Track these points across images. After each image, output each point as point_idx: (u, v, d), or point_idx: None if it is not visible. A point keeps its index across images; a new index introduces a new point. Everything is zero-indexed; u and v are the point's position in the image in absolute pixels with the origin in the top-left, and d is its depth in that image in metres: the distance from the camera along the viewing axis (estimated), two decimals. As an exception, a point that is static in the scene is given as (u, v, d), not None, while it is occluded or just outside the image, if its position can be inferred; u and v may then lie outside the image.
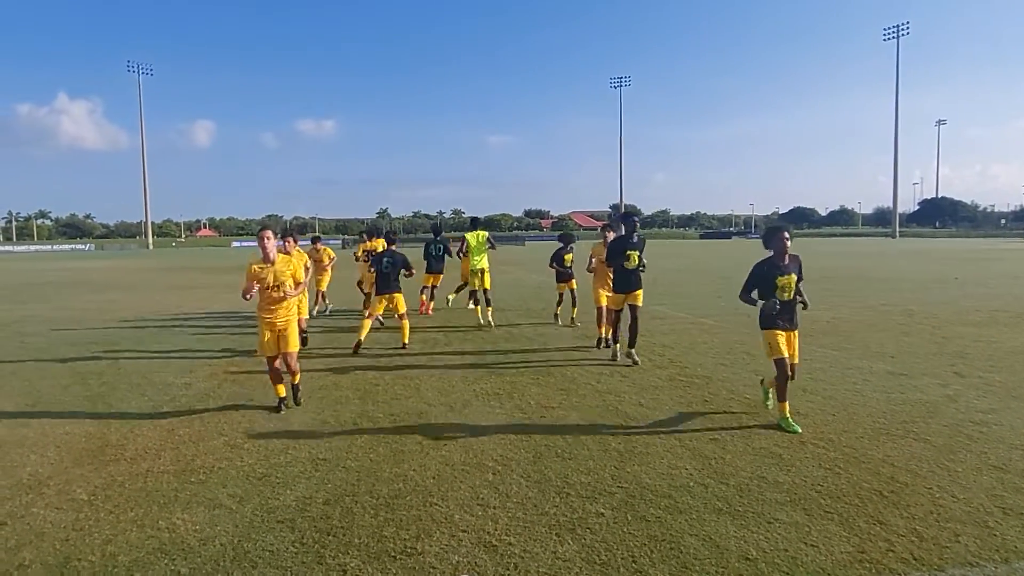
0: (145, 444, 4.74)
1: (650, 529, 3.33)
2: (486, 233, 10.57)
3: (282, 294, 5.43)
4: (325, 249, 11.65)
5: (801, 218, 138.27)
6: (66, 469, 4.26)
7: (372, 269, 9.00)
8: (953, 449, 4.44)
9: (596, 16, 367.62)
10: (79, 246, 79.39)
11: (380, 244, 10.31)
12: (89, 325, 11.02)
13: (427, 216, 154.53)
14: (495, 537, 3.27)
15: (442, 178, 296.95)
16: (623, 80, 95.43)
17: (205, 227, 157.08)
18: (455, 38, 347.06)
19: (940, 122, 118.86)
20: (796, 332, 5.03)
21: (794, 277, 4.96)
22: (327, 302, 12.12)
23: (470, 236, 10.42)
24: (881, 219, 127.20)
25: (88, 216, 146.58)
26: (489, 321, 10.14)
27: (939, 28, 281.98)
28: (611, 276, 7.55)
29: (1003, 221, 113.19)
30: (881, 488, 3.81)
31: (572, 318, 10.15)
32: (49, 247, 76.29)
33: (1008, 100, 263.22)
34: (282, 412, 5.48)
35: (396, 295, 8.59)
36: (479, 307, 10.32)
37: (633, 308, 7.23)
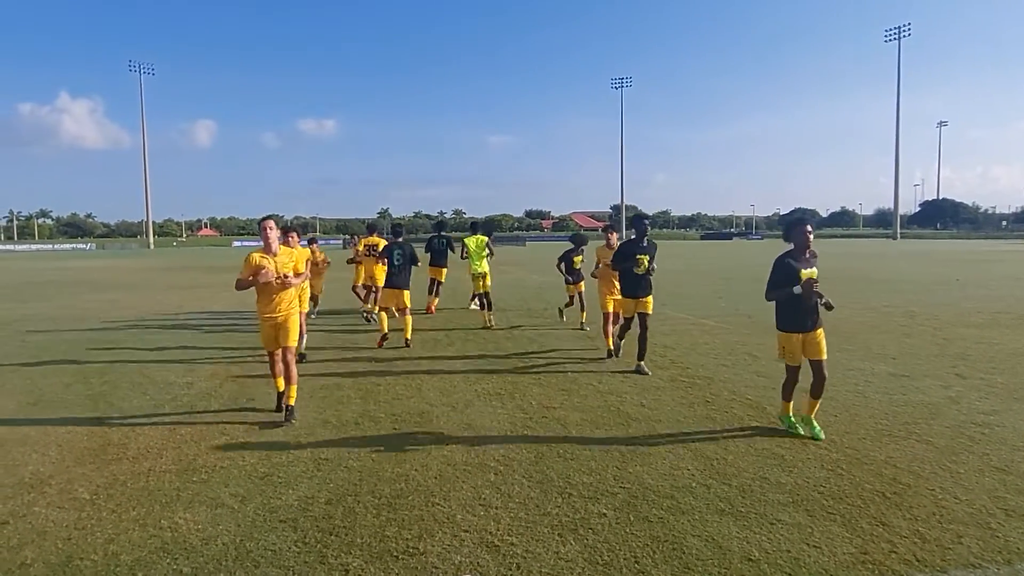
0: (147, 443, 4.74)
1: (652, 530, 3.33)
2: (485, 239, 10.78)
3: (283, 283, 5.28)
4: (319, 251, 11.63)
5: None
6: (68, 468, 4.26)
7: (381, 262, 9.08)
8: (955, 451, 4.44)
9: (597, 16, 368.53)
10: (80, 245, 79.29)
11: (381, 243, 10.36)
12: (90, 324, 11.03)
13: (428, 216, 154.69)
14: (497, 537, 3.27)
15: (443, 178, 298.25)
16: (624, 81, 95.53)
17: (206, 227, 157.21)
18: (455, 38, 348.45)
19: (941, 123, 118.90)
20: (820, 331, 4.76)
21: (815, 271, 4.74)
22: (315, 306, 12.08)
23: (469, 241, 10.59)
24: (882, 220, 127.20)
25: (89, 215, 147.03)
26: (490, 322, 10.20)
27: (941, 29, 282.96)
28: (617, 280, 7.35)
29: (1004, 223, 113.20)
30: (883, 489, 3.80)
31: (581, 323, 10.05)
32: (50, 246, 76.22)
33: (1009, 102, 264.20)
34: (285, 421, 5.24)
35: (405, 292, 8.66)
36: (486, 311, 10.42)
37: (643, 317, 6.97)
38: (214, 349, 8.54)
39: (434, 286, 12.02)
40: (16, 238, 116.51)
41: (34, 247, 74.74)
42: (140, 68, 75.50)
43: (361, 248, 11.19)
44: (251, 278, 5.19)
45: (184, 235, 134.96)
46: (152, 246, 75.77)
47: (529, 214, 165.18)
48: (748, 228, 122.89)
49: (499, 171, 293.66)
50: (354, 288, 12.07)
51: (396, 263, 8.62)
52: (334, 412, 5.52)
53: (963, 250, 42.51)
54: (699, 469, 4.14)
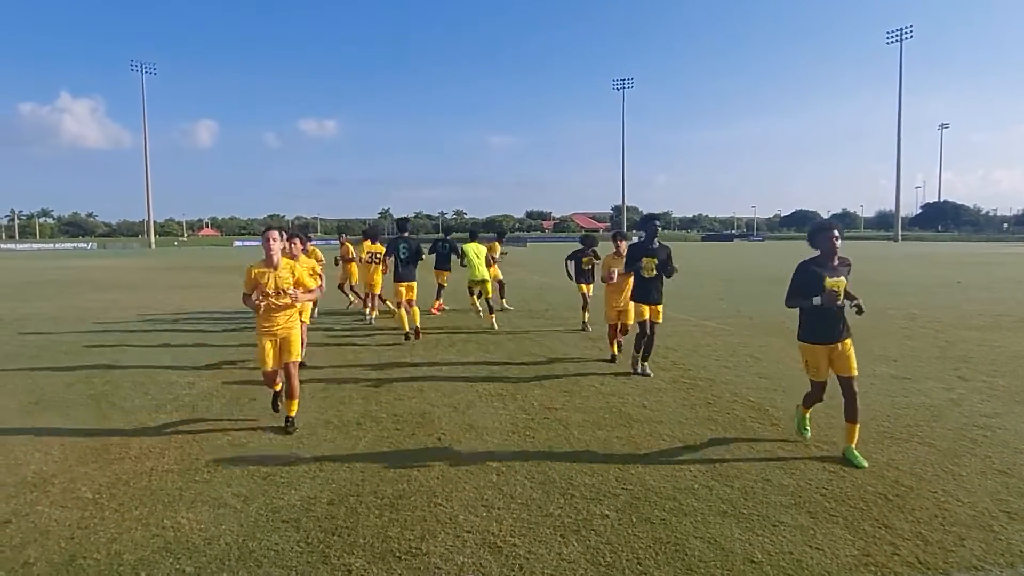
0: (149, 442, 4.74)
1: (655, 531, 3.33)
2: (485, 249, 11.07)
3: (285, 301, 4.89)
4: (314, 251, 11.63)
5: (803, 221, 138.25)
6: (70, 467, 4.26)
7: (386, 261, 9.30)
8: (957, 453, 4.43)
9: (598, 18, 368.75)
10: (81, 245, 79.28)
11: (382, 250, 10.46)
12: (92, 324, 11.04)
13: (428, 217, 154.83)
14: (499, 538, 3.27)
15: (443, 179, 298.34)
16: (626, 82, 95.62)
17: (207, 226, 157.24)
18: (456, 38, 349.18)
19: (943, 126, 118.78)
20: (849, 341, 4.36)
21: (843, 281, 4.32)
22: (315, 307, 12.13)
23: (468, 248, 10.71)
24: (883, 222, 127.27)
25: (90, 215, 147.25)
26: (492, 323, 10.26)
27: (943, 32, 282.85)
28: (629, 288, 7.18)
29: (1005, 225, 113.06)
30: (886, 492, 3.80)
31: (583, 323, 10.03)
32: (51, 246, 76.27)
33: (1011, 105, 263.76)
34: (285, 432, 4.98)
35: (414, 284, 8.88)
36: (492, 314, 10.52)
37: (651, 325, 6.75)
38: (216, 348, 8.55)
39: (438, 290, 12.21)
40: (17, 237, 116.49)
41: (35, 246, 74.77)
42: (142, 68, 75.64)
43: (365, 255, 11.22)
44: (254, 292, 4.91)
45: (185, 235, 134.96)
46: (153, 246, 75.85)
47: (530, 215, 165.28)
48: (749, 229, 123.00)
49: (500, 172, 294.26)
50: (340, 286, 12.52)
51: (403, 256, 8.75)
52: (336, 412, 5.52)
53: (964, 252, 42.46)
54: (701, 471, 4.14)
